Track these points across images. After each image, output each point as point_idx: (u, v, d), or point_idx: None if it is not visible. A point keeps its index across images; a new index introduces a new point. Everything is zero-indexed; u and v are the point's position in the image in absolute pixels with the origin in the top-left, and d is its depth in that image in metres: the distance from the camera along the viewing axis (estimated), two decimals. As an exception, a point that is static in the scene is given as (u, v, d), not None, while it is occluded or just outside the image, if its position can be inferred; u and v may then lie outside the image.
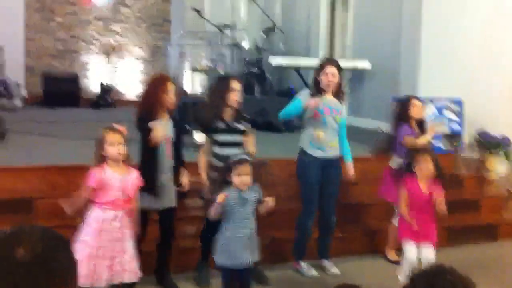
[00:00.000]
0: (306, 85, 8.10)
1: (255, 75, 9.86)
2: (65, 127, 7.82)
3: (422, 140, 5.16)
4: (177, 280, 4.74)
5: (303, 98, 4.95)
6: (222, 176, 4.11)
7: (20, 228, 1.32)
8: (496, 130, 7.69)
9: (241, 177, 3.97)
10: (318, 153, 4.94)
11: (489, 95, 7.88)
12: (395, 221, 5.14)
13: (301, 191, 5.09)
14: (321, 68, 4.95)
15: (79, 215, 4.03)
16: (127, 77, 12.01)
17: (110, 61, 11.84)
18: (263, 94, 9.62)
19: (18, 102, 9.46)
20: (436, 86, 7.47)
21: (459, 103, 7.50)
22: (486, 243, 6.12)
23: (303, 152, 5.01)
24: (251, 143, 4.71)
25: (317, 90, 4.94)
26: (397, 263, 5.03)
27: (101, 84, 11.10)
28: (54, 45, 11.61)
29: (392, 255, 5.44)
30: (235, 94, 4.62)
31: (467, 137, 7.74)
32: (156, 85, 4.50)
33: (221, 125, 4.63)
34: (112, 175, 3.96)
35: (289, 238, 5.23)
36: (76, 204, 3.98)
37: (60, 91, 10.39)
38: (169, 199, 4.55)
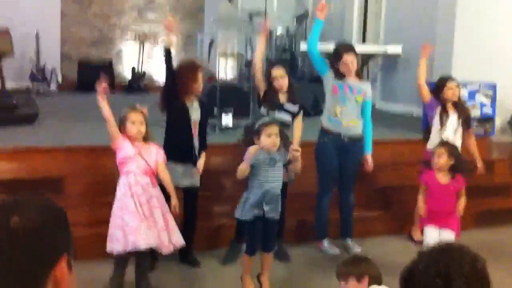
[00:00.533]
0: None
1: (287, 61, 9.85)
2: (98, 111, 7.92)
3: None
4: (204, 257, 4.82)
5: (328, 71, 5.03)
6: (251, 139, 4.14)
7: (17, 198, 1.29)
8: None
9: (271, 137, 4.01)
10: (334, 128, 4.97)
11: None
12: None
13: (317, 170, 5.14)
14: (337, 56, 4.94)
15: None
16: (160, 64, 12.14)
17: (144, 48, 11.98)
18: (294, 80, 9.59)
19: (53, 87, 9.69)
20: (470, 70, 7.34)
21: (492, 87, 7.37)
22: (515, 227, 6.03)
23: (322, 131, 5.08)
24: (299, 126, 4.87)
25: (337, 74, 4.96)
26: (421, 243, 4.99)
27: (133, 70, 11.27)
28: (91, 33, 11.81)
29: (417, 235, 5.38)
30: (278, 80, 4.77)
31: (500, 121, 7.61)
32: (187, 73, 4.60)
33: (274, 105, 4.81)
34: (129, 146, 4.10)
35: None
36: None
37: (95, 77, 10.50)
38: (191, 179, 4.64)
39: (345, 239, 5.22)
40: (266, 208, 4.06)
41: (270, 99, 4.83)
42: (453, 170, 4.56)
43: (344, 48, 5.03)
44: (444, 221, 4.58)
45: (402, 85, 9.27)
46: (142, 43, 11.94)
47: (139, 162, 4.10)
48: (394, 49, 8.90)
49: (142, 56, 11.82)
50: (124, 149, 4.10)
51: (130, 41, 12.15)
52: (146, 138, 4.18)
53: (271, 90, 4.83)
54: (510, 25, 7.70)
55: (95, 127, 6.75)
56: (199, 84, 4.61)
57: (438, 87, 5.29)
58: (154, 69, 12.05)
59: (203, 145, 4.77)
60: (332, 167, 5.05)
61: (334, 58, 4.99)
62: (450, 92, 5.20)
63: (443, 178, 4.56)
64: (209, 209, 5.37)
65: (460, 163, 4.62)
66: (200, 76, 4.61)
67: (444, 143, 4.76)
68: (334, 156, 5.01)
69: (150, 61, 12.06)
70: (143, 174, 4.10)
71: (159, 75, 12.02)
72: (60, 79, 10.23)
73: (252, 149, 4.00)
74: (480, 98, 7.34)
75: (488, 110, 7.35)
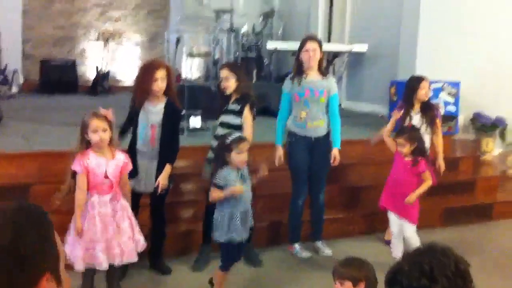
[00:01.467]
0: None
1: (253, 60, 9.85)
2: (61, 113, 7.82)
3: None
4: (173, 264, 4.77)
5: (286, 85, 5.05)
6: (221, 156, 4.04)
7: None
8: (493, 111, 7.70)
9: (242, 155, 3.98)
10: (299, 130, 4.99)
11: (487, 77, 7.88)
12: None
13: (290, 171, 5.14)
14: (301, 46, 4.95)
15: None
16: (125, 63, 12.00)
17: (109, 47, 11.83)
18: (260, 80, 9.61)
19: (15, 89, 9.49)
20: (433, 68, 7.45)
21: (456, 85, 7.49)
22: (481, 223, 6.16)
23: (289, 133, 5.09)
24: (246, 126, 4.63)
25: (299, 71, 4.97)
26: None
27: (97, 70, 11.11)
28: (53, 32, 11.60)
29: (388, 236, 5.43)
30: (223, 82, 4.68)
31: (463, 119, 7.74)
32: (144, 73, 4.43)
33: (223, 108, 4.75)
34: (96, 160, 3.93)
35: (287, 222, 5.27)
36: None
37: (58, 78, 10.40)
38: (150, 185, 4.48)
39: (315, 241, 5.24)
40: (242, 231, 4.06)
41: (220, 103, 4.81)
42: (416, 153, 4.70)
43: (308, 36, 5.05)
44: (403, 209, 4.72)
45: (368, 84, 9.36)
46: (106, 41, 11.78)
47: (106, 182, 3.95)
48: (358, 47, 8.98)
49: (106, 55, 11.67)
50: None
51: (94, 40, 11.98)
52: (110, 144, 3.98)
53: (221, 93, 4.78)
54: (472, 24, 7.84)
55: (61, 130, 6.69)
56: (158, 84, 4.35)
57: (412, 87, 5.29)
58: (118, 68, 11.91)
59: (166, 155, 4.46)
60: (303, 165, 5.03)
61: (299, 48, 4.97)
62: (423, 92, 5.24)
63: (409, 162, 4.74)
64: (178, 214, 5.34)
65: (421, 145, 4.76)
66: (159, 75, 4.34)
67: (401, 132, 4.83)
68: (304, 155, 5.01)
69: (114, 61, 11.91)
70: (108, 192, 3.97)
71: (123, 75, 11.91)
72: (21, 80, 10.01)
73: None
74: (444, 96, 7.46)
75: (451, 108, 7.47)
